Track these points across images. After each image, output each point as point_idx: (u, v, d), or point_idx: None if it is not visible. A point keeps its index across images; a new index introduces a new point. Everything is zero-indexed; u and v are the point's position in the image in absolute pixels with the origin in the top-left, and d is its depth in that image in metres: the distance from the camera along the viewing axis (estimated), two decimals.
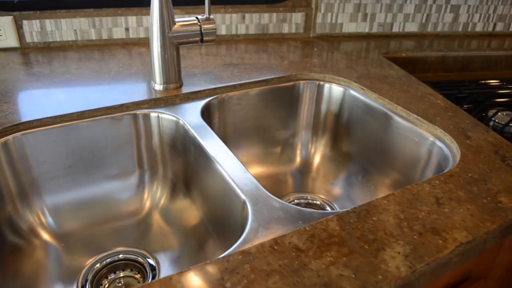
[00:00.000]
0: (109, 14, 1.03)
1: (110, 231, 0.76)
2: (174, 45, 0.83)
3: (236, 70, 0.93)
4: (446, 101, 0.86)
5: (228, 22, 1.11)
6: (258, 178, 0.91)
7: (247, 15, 1.11)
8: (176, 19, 0.80)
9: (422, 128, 0.78)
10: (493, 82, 1.14)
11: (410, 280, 0.48)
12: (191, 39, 0.83)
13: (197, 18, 0.84)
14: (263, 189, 0.59)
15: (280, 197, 0.90)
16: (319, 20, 1.17)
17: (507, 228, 0.57)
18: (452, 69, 1.20)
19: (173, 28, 0.80)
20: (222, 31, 1.12)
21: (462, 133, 0.75)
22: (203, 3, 0.85)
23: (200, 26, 0.83)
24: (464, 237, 0.53)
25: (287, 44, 1.12)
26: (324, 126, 0.94)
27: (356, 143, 0.91)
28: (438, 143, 0.75)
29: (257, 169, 0.91)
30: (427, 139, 0.76)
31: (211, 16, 0.82)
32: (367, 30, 1.23)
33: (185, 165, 0.77)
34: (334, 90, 0.91)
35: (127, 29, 1.05)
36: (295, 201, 0.88)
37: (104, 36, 1.05)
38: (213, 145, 0.69)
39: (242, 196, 0.58)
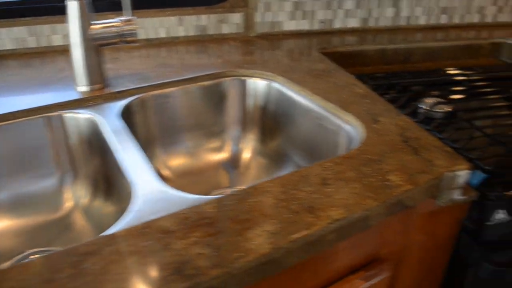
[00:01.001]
0: (47, 22, 1.04)
1: (30, 230, 0.76)
2: (94, 47, 0.83)
3: (167, 70, 0.93)
4: (367, 90, 0.86)
5: (167, 25, 1.11)
6: (188, 174, 0.91)
7: (186, 17, 1.12)
8: (97, 21, 0.81)
9: (337, 116, 0.78)
10: (449, 71, 1.13)
11: (274, 257, 0.48)
12: (111, 40, 0.84)
13: (120, 20, 0.85)
14: (160, 181, 0.59)
15: (210, 192, 0.90)
16: (258, 19, 1.17)
17: (393, 205, 0.57)
18: (393, 61, 1.20)
19: (92, 30, 0.81)
20: (162, 34, 1.12)
21: (373, 118, 0.75)
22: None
23: (120, 27, 0.83)
24: (339, 214, 0.52)
25: (227, 44, 1.13)
26: (252, 121, 0.95)
27: (284, 136, 0.91)
28: (349, 129, 0.75)
29: (187, 166, 0.91)
30: (341, 126, 0.77)
31: (133, 17, 0.83)
32: (308, 28, 1.23)
33: (103, 165, 0.78)
34: (259, 85, 0.91)
35: (65, 36, 1.05)
36: None
37: (44, 43, 1.06)
38: (123, 143, 0.69)
39: (132, 187, 0.58)
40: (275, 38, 1.20)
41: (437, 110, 0.90)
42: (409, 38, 1.25)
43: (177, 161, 0.91)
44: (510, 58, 1.29)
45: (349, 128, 0.75)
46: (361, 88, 0.87)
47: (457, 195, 0.67)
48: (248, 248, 0.47)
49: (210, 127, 0.94)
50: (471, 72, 1.14)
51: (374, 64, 1.18)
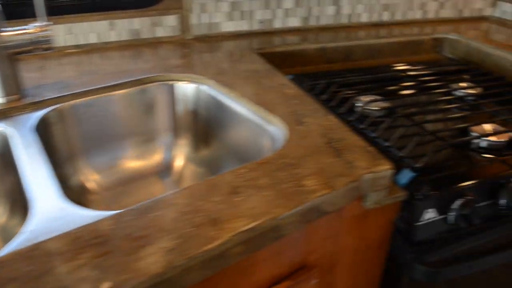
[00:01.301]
0: None
1: None
2: (7, 55, 0.78)
3: (93, 77, 0.88)
4: (297, 90, 0.84)
5: (98, 30, 1.06)
6: (117, 186, 0.86)
7: (117, 21, 1.07)
8: (8, 28, 0.76)
9: (262, 119, 0.75)
10: (395, 67, 1.11)
11: (170, 277, 0.44)
12: (25, 48, 0.79)
13: (34, 26, 0.80)
14: (61, 198, 0.55)
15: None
16: (194, 21, 1.13)
17: (308, 212, 0.54)
18: (334, 60, 1.18)
19: (2, 38, 0.76)
20: (93, 39, 1.07)
21: (298, 119, 0.72)
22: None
23: (34, 34, 0.78)
24: (245, 225, 0.49)
25: (163, 48, 1.08)
26: (184, 127, 0.91)
27: (217, 141, 0.87)
28: (273, 131, 0.72)
29: (116, 177, 0.86)
30: (265, 129, 0.73)
31: (49, 23, 0.78)
32: (247, 28, 1.20)
33: (17, 182, 0.72)
34: (187, 89, 0.87)
35: None
36: None
37: None
38: (31, 158, 0.64)
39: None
40: (213, 40, 1.16)
41: (374, 107, 0.88)
42: (352, 36, 1.23)
43: (105, 173, 0.86)
44: (452, 53, 1.28)
45: (273, 131, 0.72)
46: (291, 89, 0.84)
47: (383, 196, 0.64)
48: (139, 268, 0.43)
49: (140, 135, 0.89)
50: (412, 68, 1.13)
51: (315, 63, 1.15)
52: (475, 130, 0.82)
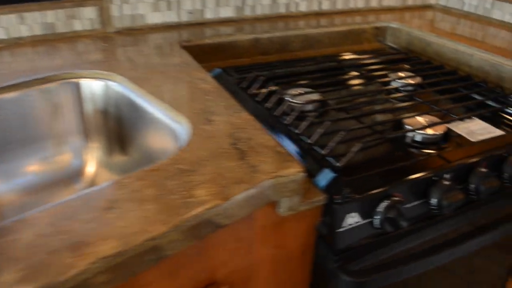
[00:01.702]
0: None
1: None
2: None
3: None
4: (214, 85, 0.75)
5: (6, 24, 0.95)
6: (21, 195, 0.76)
7: (28, 15, 0.96)
8: None
9: (169, 117, 0.66)
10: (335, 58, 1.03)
11: None
12: None
13: None
14: None
15: None
16: (115, 13, 1.03)
17: (194, 228, 0.45)
18: (269, 51, 1.10)
19: None
20: (1, 35, 0.96)
21: (206, 118, 0.63)
22: None
23: None
24: (111, 249, 0.40)
25: (81, 43, 0.98)
26: (95, 128, 0.81)
27: (131, 143, 0.78)
28: (178, 132, 0.63)
29: (17, 188, 0.76)
30: (171, 129, 0.64)
31: None
32: (176, 20, 1.10)
33: None
34: (95, 87, 0.77)
35: None
36: None
37: None
38: None
39: None
40: (138, 33, 1.06)
41: (304, 101, 0.80)
42: (290, 26, 1.15)
43: (6, 183, 0.75)
44: (394, 42, 1.22)
45: (177, 131, 0.63)
46: (209, 84, 0.75)
47: (298, 202, 0.57)
48: None
49: (46, 139, 0.79)
50: (349, 58, 1.06)
51: (249, 55, 1.07)
52: (409, 123, 0.76)
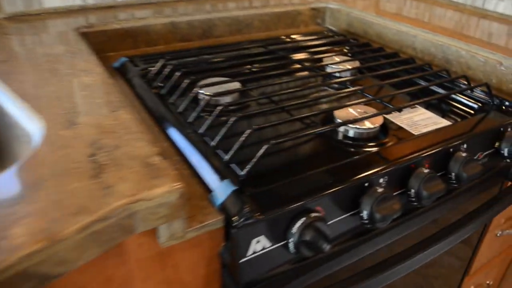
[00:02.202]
0: None
1: None
2: None
3: None
4: (100, 77, 0.60)
5: None
6: None
7: None
8: None
9: (26, 120, 0.49)
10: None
11: None
12: None
13: None
14: None
15: None
16: None
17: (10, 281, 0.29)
18: (190, 37, 0.93)
19: None
20: None
21: (70, 120, 0.47)
22: None
23: None
24: None
25: None
26: None
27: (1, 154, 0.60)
28: (34, 138, 0.47)
29: None
30: (30, 135, 0.48)
31: None
32: (79, 3, 0.92)
33: None
34: None
35: None
36: None
37: None
38: None
39: None
40: (35, 18, 0.88)
41: (218, 92, 0.64)
42: (219, 7, 0.99)
43: None
44: (334, 24, 1.07)
45: (34, 137, 0.46)
46: (92, 76, 0.59)
47: (181, 228, 0.41)
48: None
49: None
50: (281, 42, 0.91)
51: (166, 42, 0.91)
52: (340, 115, 0.61)
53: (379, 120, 0.62)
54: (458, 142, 0.60)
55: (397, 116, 0.67)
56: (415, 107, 0.70)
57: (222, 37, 0.98)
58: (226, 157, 0.52)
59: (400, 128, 0.64)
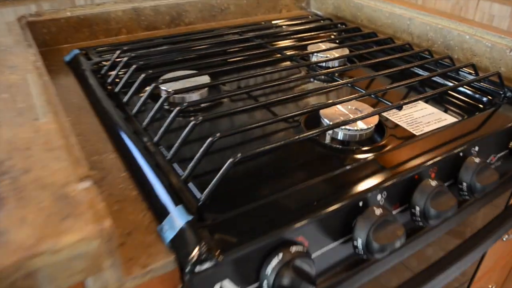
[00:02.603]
0: None
1: None
2: None
3: None
4: (35, 75, 0.48)
5: None
6: None
7: None
8: None
9: None
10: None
11: None
12: None
13: None
14: None
15: None
16: None
17: None
18: (156, 25, 0.81)
19: None
20: None
21: None
22: None
23: None
24: None
25: None
26: None
27: None
28: None
29: None
30: None
31: None
32: None
33: None
34: None
35: None
36: None
37: None
38: None
39: None
40: None
41: (184, 89, 0.53)
42: None
43: None
44: (320, 9, 0.95)
45: None
46: (20, 74, 0.47)
47: (116, 278, 0.29)
48: None
49: None
50: (259, 28, 0.79)
51: (128, 31, 0.78)
52: (327, 114, 0.49)
53: (374, 119, 0.50)
54: (468, 145, 0.48)
55: (394, 113, 0.55)
56: (415, 102, 0.58)
57: (194, 24, 0.86)
58: (183, 174, 0.40)
59: (398, 126, 0.52)
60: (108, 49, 0.70)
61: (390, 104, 0.51)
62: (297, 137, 0.43)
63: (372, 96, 0.55)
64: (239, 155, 0.38)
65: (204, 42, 0.70)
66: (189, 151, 0.46)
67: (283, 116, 0.46)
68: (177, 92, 0.51)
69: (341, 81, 0.55)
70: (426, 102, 0.59)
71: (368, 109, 0.52)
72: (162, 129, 0.45)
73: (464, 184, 0.48)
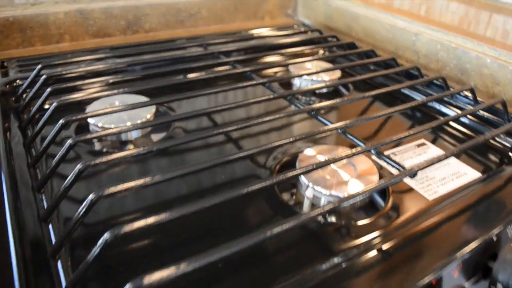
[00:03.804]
0: None
1: None
2: None
3: None
4: None
5: None
6: None
7: None
8: None
9: None
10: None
11: None
12: None
13: None
14: None
15: None
16: None
17: None
18: (109, 31, 0.64)
19: None
20: None
21: None
22: None
23: None
24: None
25: None
26: None
27: None
28: None
29: None
30: None
31: None
32: None
33: None
34: None
35: None
36: None
37: None
38: None
39: None
40: None
41: (120, 122, 0.38)
42: None
43: None
44: (309, 16, 0.78)
45: None
46: None
47: None
48: None
49: None
50: (231, 41, 0.63)
51: (72, 38, 0.62)
52: (304, 162, 0.33)
53: (372, 177, 0.34)
54: (504, 223, 0.32)
55: (394, 157, 0.38)
56: (423, 143, 0.42)
57: (155, 31, 0.69)
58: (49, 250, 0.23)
59: (402, 183, 0.36)
60: (34, 62, 0.53)
61: (399, 167, 0.34)
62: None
63: (372, 152, 0.38)
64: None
65: (156, 56, 0.53)
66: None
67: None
68: (84, 140, 0.34)
69: (330, 126, 0.39)
70: (433, 142, 0.42)
71: (368, 169, 0.35)
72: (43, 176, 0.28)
73: (500, 285, 0.31)
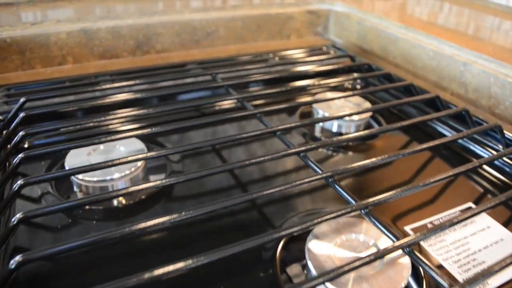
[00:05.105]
0: None
1: None
2: None
3: None
4: None
5: None
6: None
7: None
8: None
9: None
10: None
11: None
12: None
13: None
14: None
15: None
16: None
17: None
18: (116, 51, 0.57)
19: None
20: None
21: None
22: None
23: None
24: None
25: None
26: None
27: None
28: None
29: None
30: None
31: None
32: None
33: None
34: None
35: None
36: None
37: None
38: None
39: None
40: None
41: (106, 176, 0.31)
42: (158, 7, 0.62)
43: None
44: (341, 36, 0.68)
45: None
46: None
47: None
48: None
49: None
50: (243, 69, 0.53)
51: (76, 60, 0.56)
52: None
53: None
54: None
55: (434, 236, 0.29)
56: (477, 214, 0.32)
57: (168, 52, 0.61)
58: None
59: (442, 268, 0.26)
60: (29, 89, 0.46)
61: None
62: None
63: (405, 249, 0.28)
64: None
65: (166, 84, 0.45)
66: None
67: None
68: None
69: (354, 205, 0.29)
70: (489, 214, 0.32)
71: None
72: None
73: None
